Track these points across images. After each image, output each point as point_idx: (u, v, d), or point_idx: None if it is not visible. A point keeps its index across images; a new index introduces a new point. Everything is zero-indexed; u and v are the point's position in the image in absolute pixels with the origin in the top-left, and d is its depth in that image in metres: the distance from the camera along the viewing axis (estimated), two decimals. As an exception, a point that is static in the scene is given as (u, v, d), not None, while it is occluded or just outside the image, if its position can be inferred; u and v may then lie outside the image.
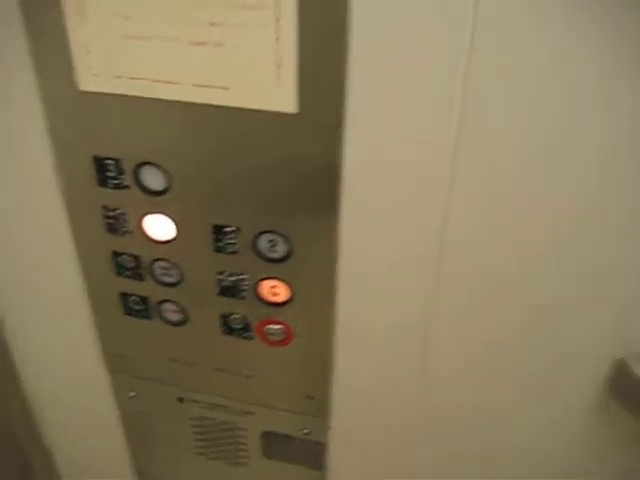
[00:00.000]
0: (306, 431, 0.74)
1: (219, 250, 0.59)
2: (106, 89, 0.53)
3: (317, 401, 0.69)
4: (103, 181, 0.58)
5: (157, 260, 0.62)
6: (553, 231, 0.53)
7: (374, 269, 0.57)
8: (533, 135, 0.48)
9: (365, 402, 0.69)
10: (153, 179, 0.57)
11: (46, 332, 0.75)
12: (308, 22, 0.45)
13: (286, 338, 0.64)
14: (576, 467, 0.68)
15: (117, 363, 0.75)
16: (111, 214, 0.60)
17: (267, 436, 0.76)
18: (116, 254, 0.63)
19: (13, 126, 0.58)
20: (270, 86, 0.48)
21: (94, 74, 0.52)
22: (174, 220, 0.59)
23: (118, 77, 0.52)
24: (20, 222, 0.65)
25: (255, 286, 0.61)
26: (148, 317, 0.68)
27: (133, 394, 0.78)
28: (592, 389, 0.62)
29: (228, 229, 0.58)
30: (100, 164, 0.57)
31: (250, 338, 0.66)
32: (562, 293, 0.56)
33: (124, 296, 0.67)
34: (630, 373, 0.58)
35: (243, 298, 0.62)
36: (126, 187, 0.58)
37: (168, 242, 0.61)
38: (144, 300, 0.66)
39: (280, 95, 0.49)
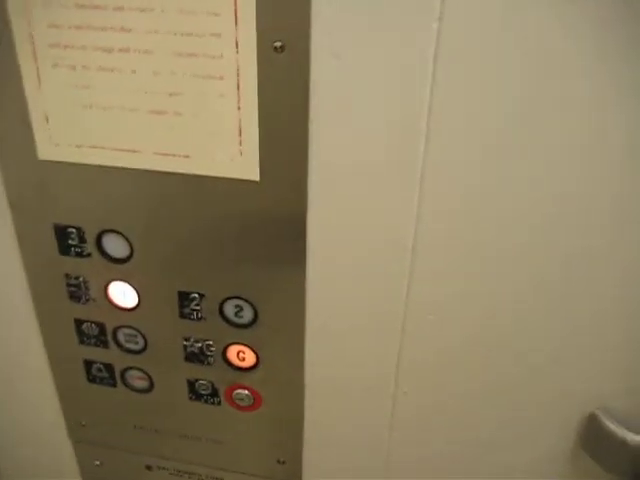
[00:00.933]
0: (278, 496, 0.72)
1: (184, 316, 0.58)
2: (66, 158, 0.52)
3: (288, 465, 0.68)
4: (65, 249, 0.57)
5: (121, 327, 0.61)
6: (521, 284, 0.53)
7: (342, 330, 0.57)
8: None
9: (337, 465, 0.68)
10: (116, 247, 0.56)
11: (7, 401, 0.73)
12: (268, 89, 0.46)
13: (255, 403, 0.63)
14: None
15: (81, 432, 0.73)
16: (73, 282, 0.59)
17: (238, 502, 0.74)
18: (79, 322, 0.62)
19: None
20: (232, 154, 0.48)
21: (54, 144, 0.52)
22: (138, 287, 0.58)
23: (78, 146, 0.51)
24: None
25: (222, 351, 0.60)
26: (113, 385, 0.66)
27: (98, 463, 0.76)
28: (564, 444, 0.61)
29: (193, 295, 0.57)
30: (61, 232, 0.56)
31: (218, 403, 0.64)
32: (532, 347, 0.56)
33: (88, 364, 0.65)
34: (602, 427, 0.58)
35: (210, 364, 0.61)
36: (88, 255, 0.57)
37: (132, 309, 0.60)
38: (108, 367, 0.65)
39: (242, 163, 0.49)
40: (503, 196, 0.48)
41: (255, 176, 0.49)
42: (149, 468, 0.74)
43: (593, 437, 0.59)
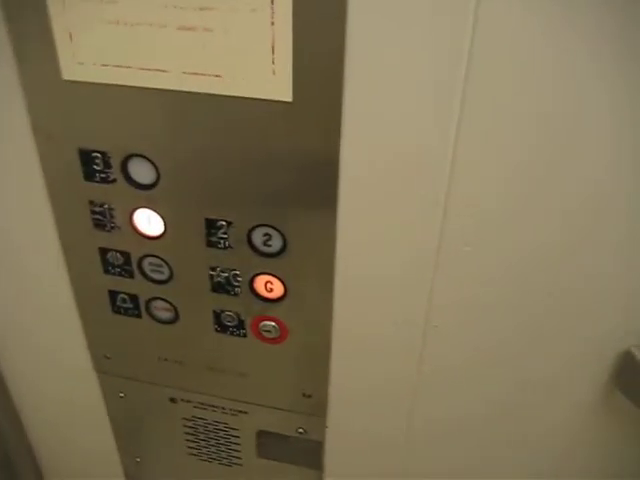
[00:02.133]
0: (301, 430, 0.72)
1: (211, 245, 0.57)
2: (91, 78, 0.50)
3: (314, 399, 0.68)
4: (89, 175, 0.56)
5: (147, 256, 0.60)
6: (557, 231, 0.51)
7: (372, 263, 0.56)
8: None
9: (363, 400, 0.67)
10: (142, 172, 0.55)
11: (32, 332, 0.73)
12: (304, 5, 0.43)
13: (281, 335, 0.62)
14: (583, 465, 0.67)
15: (105, 364, 0.73)
16: (98, 209, 0.58)
17: (262, 435, 0.74)
18: (104, 251, 0.61)
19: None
20: (264, 73, 0.46)
21: (78, 62, 0.50)
22: (164, 215, 0.57)
23: (104, 65, 0.49)
24: (3, 218, 0.63)
25: (249, 282, 0.59)
26: (137, 315, 0.66)
27: (122, 395, 0.76)
28: (598, 381, 0.61)
29: (221, 223, 0.55)
30: (86, 157, 0.55)
31: (244, 335, 0.64)
32: (567, 287, 0.55)
33: (112, 294, 0.65)
34: (637, 364, 0.57)
35: (236, 294, 0.60)
36: (113, 181, 0.56)
37: (158, 237, 0.58)
38: (133, 298, 0.64)
39: (275, 83, 0.47)
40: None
41: (288, 97, 0.47)
42: (173, 400, 0.74)
43: (628, 374, 0.58)
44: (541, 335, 0.58)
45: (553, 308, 0.57)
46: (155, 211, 0.57)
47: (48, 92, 0.52)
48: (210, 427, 0.76)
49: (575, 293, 0.55)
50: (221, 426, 0.75)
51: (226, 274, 0.59)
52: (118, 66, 0.49)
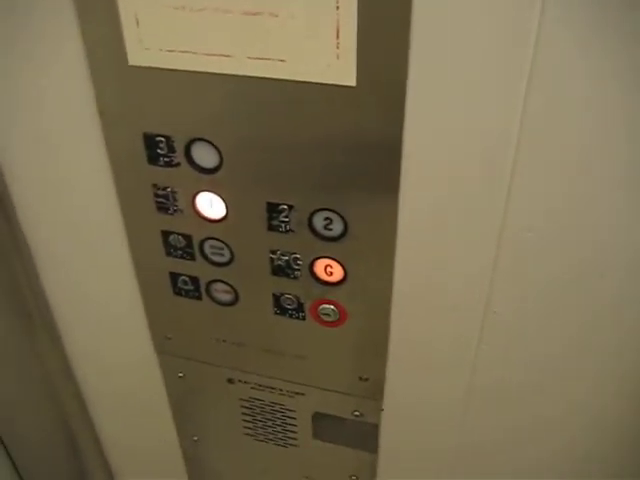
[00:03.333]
0: (357, 413, 0.72)
1: (272, 229, 0.58)
2: (157, 63, 0.51)
3: (370, 383, 0.68)
4: (153, 159, 0.57)
5: (208, 239, 0.61)
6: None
7: (434, 247, 0.56)
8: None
9: (419, 383, 0.68)
10: (205, 156, 0.55)
11: (94, 313, 0.75)
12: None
13: (340, 318, 0.63)
14: None
15: (165, 344, 0.74)
16: (161, 192, 0.59)
17: (318, 417, 0.75)
18: (166, 233, 0.62)
19: (61, 102, 0.57)
20: (329, 58, 0.46)
21: (144, 48, 0.50)
22: (226, 198, 0.57)
23: (170, 51, 0.50)
24: (69, 200, 0.64)
25: (309, 265, 0.60)
26: (198, 297, 0.67)
27: (182, 375, 0.77)
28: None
29: (282, 207, 0.56)
30: (150, 141, 0.56)
31: (303, 318, 0.64)
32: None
33: (174, 276, 0.66)
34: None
35: (296, 278, 0.61)
36: (177, 165, 0.56)
37: (220, 221, 0.59)
38: (194, 280, 0.65)
39: (339, 68, 0.47)
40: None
41: (352, 81, 0.47)
42: (231, 381, 0.75)
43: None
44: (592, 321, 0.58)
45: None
46: (217, 195, 0.57)
47: (114, 77, 0.53)
48: (267, 408, 0.77)
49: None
50: (277, 407, 0.76)
51: (286, 257, 0.59)
52: (183, 51, 0.50)
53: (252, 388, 0.75)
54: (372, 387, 0.68)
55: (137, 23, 0.49)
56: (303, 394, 0.73)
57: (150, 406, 0.83)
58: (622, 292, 0.55)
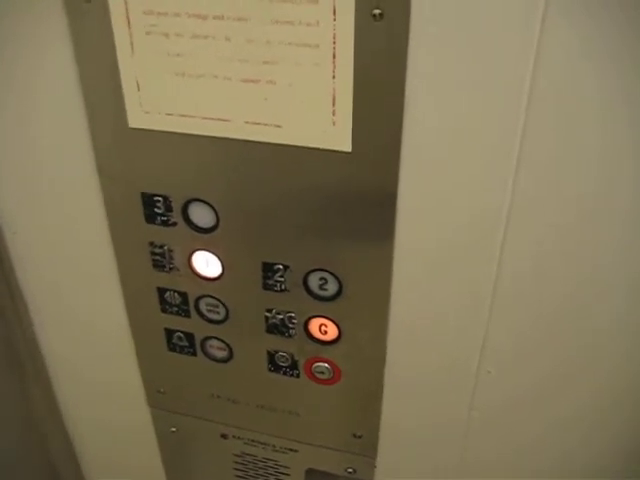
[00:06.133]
0: (350, 469, 0.72)
1: (268, 288, 0.58)
2: (156, 126, 0.52)
3: (364, 440, 0.68)
4: (151, 217, 0.57)
5: (204, 297, 0.62)
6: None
7: (427, 308, 0.56)
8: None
9: (413, 441, 0.68)
10: (201, 216, 0.56)
11: (88, 364, 0.75)
12: (365, 59, 0.44)
13: (334, 376, 0.63)
14: None
15: (159, 398, 0.74)
16: (158, 250, 0.59)
17: (311, 474, 0.75)
18: (162, 290, 0.63)
19: (63, 162, 0.58)
20: (325, 124, 0.47)
21: (145, 111, 0.52)
22: (222, 257, 0.58)
23: (169, 114, 0.51)
24: (66, 255, 0.65)
25: (304, 324, 0.60)
26: (193, 353, 0.67)
27: (174, 429, 0.77)
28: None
29: (277, 267, 0.56)
30: (148, 200, 0.57)
31: (297, 376, 0.64)
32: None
33: (169, 332, 0.66)
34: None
35: (291, 336, 0.61)
36: (174, 224, 0.57)
37: (215, 279, 0.60)
38: (189, 337, 0.66)
39: (335, 134, 0.48)
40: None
41: (347, 147, 0.48)
42: (224, 437, 0.75)
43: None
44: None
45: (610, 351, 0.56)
46: (214, 254, 0.58)
47: (114, 138, 0.54)
48: (260, 464, 0.76)
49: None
50: (271, 463, 0.76)
51: (281, 316, 0.60)
52: (182, 115, 0.51)
53: (245, 444, 0.74)
54: (366, 444, 0.68)
55: (138, 87, 0.51)
56: (296, 450, 0.72)
57: (142, 461, 0.83)
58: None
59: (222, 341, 0.64)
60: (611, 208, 0.48)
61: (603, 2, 0.39)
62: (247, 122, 0.49)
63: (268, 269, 0.57)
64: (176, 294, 0.62)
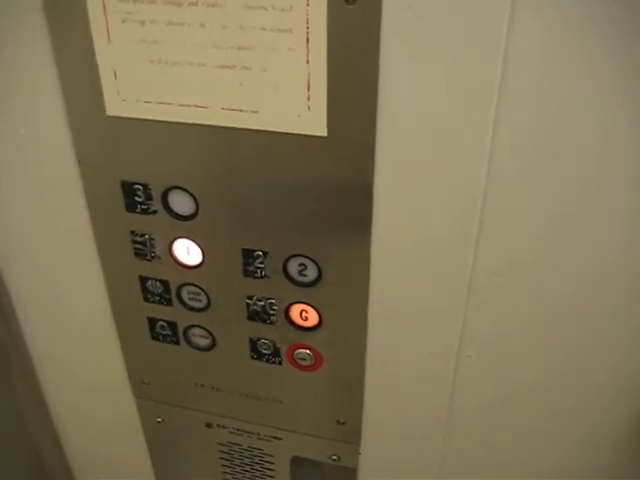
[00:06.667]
0: (335, 457, 0.72)
1: (248, 274, 0.58)
2: (134, 114, 0.52)
3: (347, 427, 0.68)
4: (131, 206, 0.58)
5: (185, 285, 0.62)
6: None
7: (406, 292, 0.57)
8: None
9: (396, 427, 0.68)
10: (181, 204, 0.56)
11: (72, 356, 0.75)
12: (338, 43, 0.45)
13: (316, 363, 0.63)
14: None
15: (143, 389, 0.74)
16: (139, 239, 0.60)
17: (296, 462, 0.75)
18: (144, 279, 0.63)
19: (41, 152, 0.58)
20: (300, 109, 0.48)
21: (122, 99, 0.52)
22: (203, 245, 0.58)
23: (147, 102, 0.51)
24: (48, 246, 0.65)
25: (285, 310, 0.60)
26: (176, 342, 0.67)
27: (160, 419, 0.77)
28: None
29: (257, 253, 0.57)
30: (128, 189, 0.57)
31: (279, 363, 0.65)
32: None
33: (151, 321, 0.66)
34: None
35: (272, 323, 0.61)
36: (154, 212, 0.57)
37: (196, 267, 0.60)
38: (172, 325, 0.66)
39: (310, 118, 0.48)
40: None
41: (323, 132, 0.49)
42: (209, 426, 0.75)
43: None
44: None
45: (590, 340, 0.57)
46: (194, 241, 0.58)
47: (93, 127, 0.54)
48: (245, 452, 0.77)
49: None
50: (256, 452, 0.76)
51: (262, 303, 0.60)
52: (160, 103, 0.51)
53: (230, 432, 0.75)
54: (349, 431, 0.69)
55: (115, 75, 0.51)
56: (281, 438, 0.73)
57: (129, 452, 0.83)
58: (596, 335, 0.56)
59: (204, 329, 0.65)
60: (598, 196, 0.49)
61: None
62: (224, 108, 0.50)
63: (248, 256, 0.57)
64: (158, 282, 0.63)
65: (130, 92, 0.51)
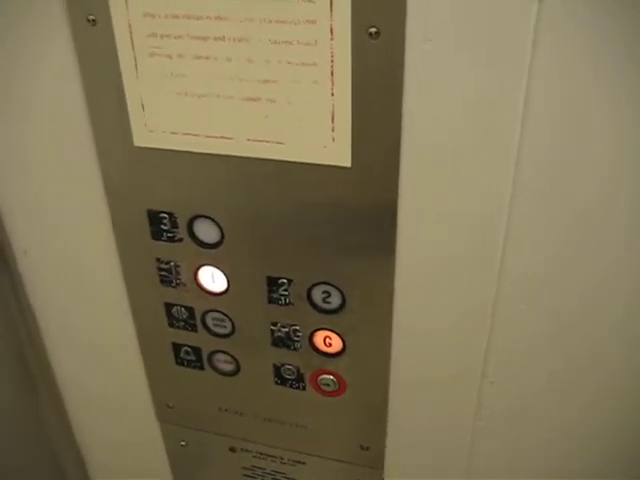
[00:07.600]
0: (359, 482, 0.73)
1: (272, 301, 0.59)
2: (161, 145, 0.53)
3: (371, 452, 0.68)
4: (157, 234, 0.59)
5: (210, 311, 0.63)
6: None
7: (430, 320, 0.57)
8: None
9: (420, 452, 0.68)
10: (207, 232, 0.57)
11: (98, 380, 0.76)
12: (362, 76, 0.45)
13: (340, 388, 0.63)
14: None
15: (167, 413, 0.75)
16: (165, 266, 0.61)
17: (319, 486, 0.75)
18: (169, 305, 0.64)
19: (70, 182, 0.59)
20: (324, 140, 0.49)
21: (149, 130, 0.53)
22: (228, 272, 0.59)
23: (173, 133, 0.52)
24: (75, 274, 0.66)
25: (308, 337, 0.61)
26: (200, 367, 0.68)
27: (184, 443, 0.77)
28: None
29: (282, 281, 0.57)
30: (154, 218, 0.58)
31: (303, 388, 0.65)
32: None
33: (176, 346, 0.67)
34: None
35: (296, 349, 0.62)
36: (180, 240, 0.58)
37: (221, 294, 0.61)
38: (196, 351, 0.66)
39: (334, 149, 0.49)
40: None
41: (347, 162, 0.49)
42: (233, 450, 0.75)
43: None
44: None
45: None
46: (219, 269, 0.59)
47: (120, 157, 0.55)
48: (268, 477, 0.77)
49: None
50: (279, 476, 0.76)
51: (286, 329, 0.61)
52: (186, 134, 0.52)
53: (254, 457, 0.75)
54: (373, 456, 0.69)
55: (142, 107, 0.52)
56: (304, 463, 0.73)
57: (153, 475, 0.84)
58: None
59: (229, 355, 0.65)
60: (615, 215, 0.49)
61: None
62: (249, 139, 0.51)
63: (272, 283, 0.58)
64: (183, 309, 0.63)
65: (157, 124, 0.52)
